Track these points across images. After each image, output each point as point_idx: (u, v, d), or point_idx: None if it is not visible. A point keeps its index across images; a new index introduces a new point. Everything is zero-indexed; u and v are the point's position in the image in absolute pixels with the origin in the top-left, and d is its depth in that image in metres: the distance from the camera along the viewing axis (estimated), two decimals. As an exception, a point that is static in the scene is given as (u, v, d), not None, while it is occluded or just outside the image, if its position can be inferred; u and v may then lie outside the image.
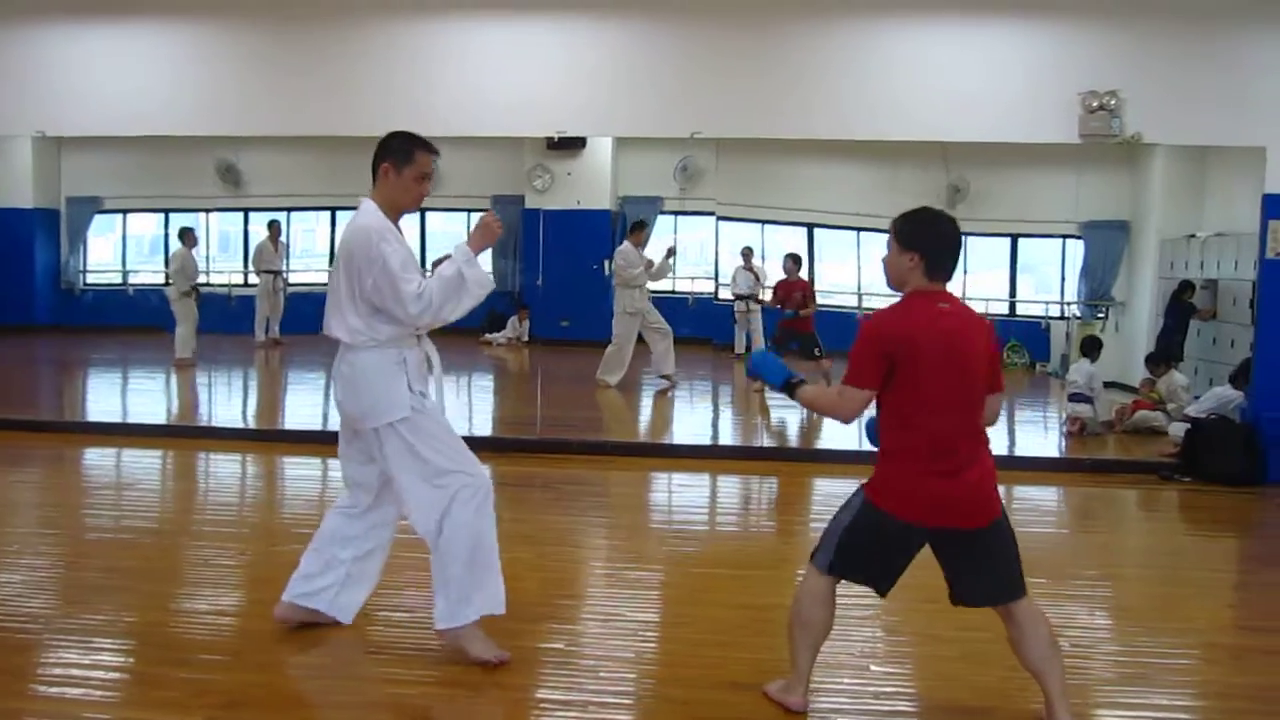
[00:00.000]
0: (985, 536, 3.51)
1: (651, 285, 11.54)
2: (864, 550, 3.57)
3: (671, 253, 11.84)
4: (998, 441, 9.41)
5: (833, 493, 7.59)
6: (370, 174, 4.11)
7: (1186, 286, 11.38)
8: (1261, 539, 6.78)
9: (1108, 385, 9.86)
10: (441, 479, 4.01)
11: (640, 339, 11.21)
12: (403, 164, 4.03)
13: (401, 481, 4.07)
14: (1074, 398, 9.66)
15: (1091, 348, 9.90)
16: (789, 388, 3.68)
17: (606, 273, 12.86)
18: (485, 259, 4.20)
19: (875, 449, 3.63)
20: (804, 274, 11.95)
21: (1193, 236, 11.79)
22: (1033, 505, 7.54)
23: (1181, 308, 11.32)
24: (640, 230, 11.48)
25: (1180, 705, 4.08)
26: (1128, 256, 13.24)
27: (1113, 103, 7.89)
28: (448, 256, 4.07)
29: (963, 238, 3.58)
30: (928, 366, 3.42)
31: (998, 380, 3.61)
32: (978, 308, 14.00)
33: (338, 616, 4.35)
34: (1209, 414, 8.37)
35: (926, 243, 3.52)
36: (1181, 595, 5.48)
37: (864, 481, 3.62)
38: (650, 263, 11.35)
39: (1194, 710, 4.08)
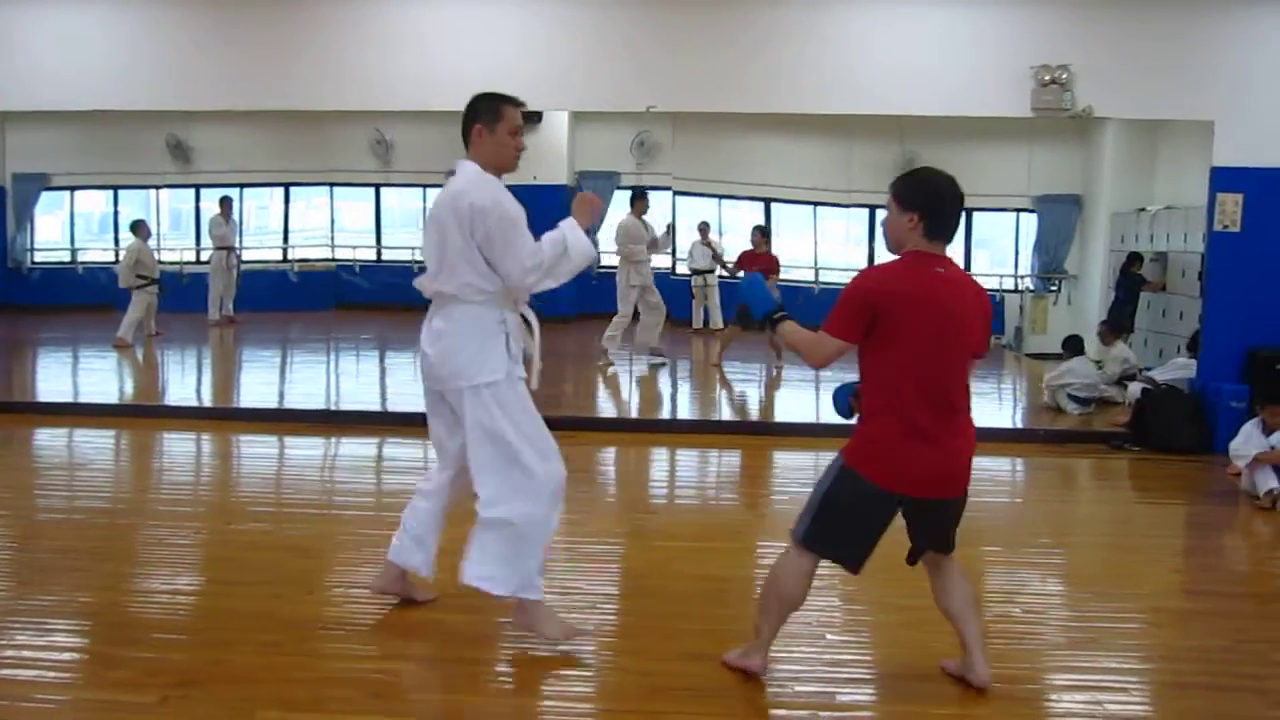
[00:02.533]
0: (955, 505, 3.59)
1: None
2: (841, 518, 3.53)
3: (670, 229, 11.91)
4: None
5: (791, 465, 7.67)
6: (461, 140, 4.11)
7: (1136, 259, 11.55)
8: (1207, 506, 6.92)
9: (1059, 356, 9.95)
10: (517, 462, 3.94)
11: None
12: (494, 122, 4.01)
13: (474, 452, 3.99)
14: (1076, 399, 9.25)
15: (1077, 347, 9.63)
16: (771, 320, 3.66)
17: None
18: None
19: (843, 419, 3.63)
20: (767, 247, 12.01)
21: (1143, 210, 11.96)
22: (987, 475, 7.62)
23: (1131, 280, 11.50)
24: (641, 201, 11.42)
25: (1128, 668, 4.16)
26: (1080, 229, 13.41)
27: (1064, 77, 7.95)
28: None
29: (963, 198, 3.52)
30: (912, 327, 3.39)
31: (983, 345, 3.58)
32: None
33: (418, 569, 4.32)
34: (1169, 383, 8.52)
35: (925, 201, 3.47)
36: (1130, 561, 5.58)
37: (843, 447, 3.57)
38: (654, 238, 11.41)
39: (1142, 672, 4.16)
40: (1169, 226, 11.25)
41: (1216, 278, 8.26)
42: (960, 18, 8.20)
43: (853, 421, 3.60)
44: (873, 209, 14.34)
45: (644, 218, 11.37)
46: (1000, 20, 8.17)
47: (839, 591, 4.81)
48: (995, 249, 14.48)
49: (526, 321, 4.17)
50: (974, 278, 3.65)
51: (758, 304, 3.72)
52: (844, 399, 3.62)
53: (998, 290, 13.99)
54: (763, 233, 11.88)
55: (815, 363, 3.53)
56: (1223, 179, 8.07)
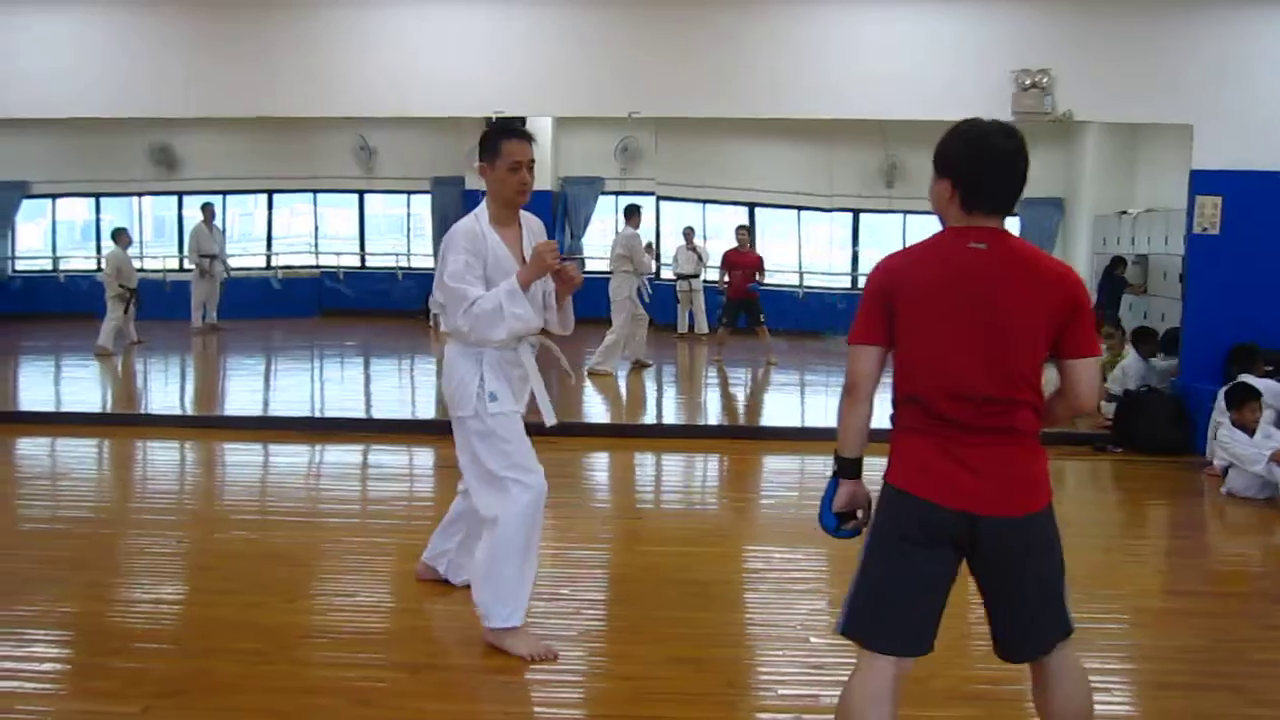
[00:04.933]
0: (1025, 533, 2.73)
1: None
2: (888, 565, 2.77)
3: (650, 248, 12.15)
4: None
5: (777, 469, 7.69)
6: None
7: (1118, 262, 11.62)
8: (1188, 507, 6.96)
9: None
10: (494, 480, 4.05)
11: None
12: (492, 159, 4.00)
13: (465, 473, 4.17)
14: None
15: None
16: (836, 463, 2.89)
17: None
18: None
19: (835, 522, 2.91)
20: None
21: (1124, 213, 12.04)
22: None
23: (1114, 283, 11.56)
24: (638, 215, 11.52)
25: (1110, 668, 4.18)
26: (1062, 232, 13.47)
27: (1045, 81, 8.00)
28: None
29: (1019, 157, 2.74)
30: (933, 316, 2.69)
31: (1084, 344, 2.73)
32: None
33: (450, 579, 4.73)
34: (1140, 386, 8.54)
35: (960, 165, 2.74)
36: (1113, 562, 5.61)
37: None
38: (649, 245, 11.64)
39: (1123, 672, 4.19)
40: (1149, 229, 11.32)
41: (1196, 280, 8.31)
42: (941, 22, 8.24)
43: (843, 538, 2.95)
44: (856, 213, 14.40)
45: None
46: (981, 25, 8.21)
47: (824, 595, 4.84)
48: (978, 252, 14.53)
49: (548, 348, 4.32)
50: (1055, 259, 2.83)
51: (826, 506, 2.92)
52: (826, 510, 2.91)
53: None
54: (747, 231, 12.04)
55: (853, 380, 2.78)
56: (1202, 182, 8.12)
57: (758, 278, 11.78)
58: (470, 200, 12.11)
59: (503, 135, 4.02)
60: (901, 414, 2.80)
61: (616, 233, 11.87)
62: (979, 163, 2.72)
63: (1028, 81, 7.98)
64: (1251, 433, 6.83)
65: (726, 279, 11.85)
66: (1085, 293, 2.78)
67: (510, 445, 4.06)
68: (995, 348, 2.67)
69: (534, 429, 4.15)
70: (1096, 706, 3.57)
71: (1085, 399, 2.77)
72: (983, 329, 2.67)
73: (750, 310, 11.73)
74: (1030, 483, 2.73)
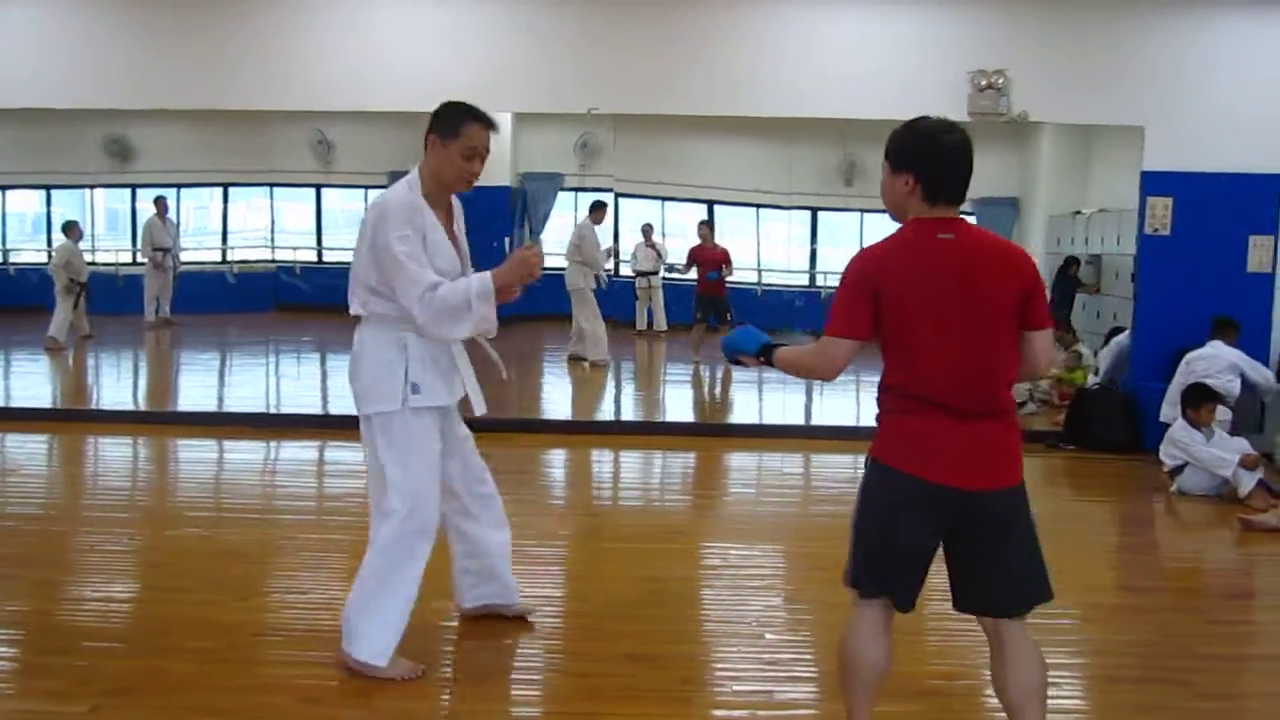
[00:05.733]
0: (1005, 504, 2.95)
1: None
2: (878, 529, 2.96)
3: (610, 252, 12.08)
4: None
5: (736, 466, 7.71)
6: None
7: (1072, 261, 11.77)
8: (1140, 503, 7.07)
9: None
10: (385, 495, 3.71)
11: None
12: (448, 138, 3.63)
13: (370, 475, 3.81)
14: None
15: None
16: (767, 351, 3.17)
17: (508, 250, 12.77)
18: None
19: (735, 358, 3.27)
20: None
21: (1078, 213, 12.19)
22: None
23: (1068, 282, 11.71)
24: (601, 210, 11.45)
25: (1062, 663, 4.22)
26: (1017, 232, 13.62)
27: (1000, 81, 8.07)
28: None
29: (970, 150, 2.92)
30: (917, 305, 2.84)
31: (1042, 317, 2.96)
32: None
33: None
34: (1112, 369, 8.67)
35: (922, 160, 2.90)
36: (1065, 558, 5.62)
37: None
38: (610, 248, 11.58)
39: (1075, 667, 4.24)
40: (1103, 229, 11.47)
41: (1147, 280, 8.42)
42: (899, 23, 8.28)
43: (746, 361, 3.26)
44: (814, 211, 14.49)
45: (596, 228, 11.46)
46: (938, 25, 8.27)
47: (779, 592, 4.86)
48: (935, 251, 14.64)
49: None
50: (1008, 240, 3.07)
51: (749, 343, 3.24)
52: (752, 340, 3.22)
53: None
54: (708, 226, 12.06)
55: (826, 374, 2.96)
56: (1153, 183, 8.24)
57: (724, 270, 11.79)
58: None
59: (468, 116, 3.67)
60: (888, 398, 2.96)
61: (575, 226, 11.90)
62: (940, 155, 2.90)
63: (984, 82, 8.05)
64: (1206, 434, 6.93)
65: (694, 275, 11.94)
66: (1037, 269, 3.02)
67: (413, 461, 3.69)
68: (984, 334, 2.86)
69: (488, 424, 4.07)
70: (1048, 702, 3.63)
71: (1044, 365, 3.05)
72: (971, 319, 2.85)
73: (718, 308, 11.78)
74: (1013, 456, 2.95)
